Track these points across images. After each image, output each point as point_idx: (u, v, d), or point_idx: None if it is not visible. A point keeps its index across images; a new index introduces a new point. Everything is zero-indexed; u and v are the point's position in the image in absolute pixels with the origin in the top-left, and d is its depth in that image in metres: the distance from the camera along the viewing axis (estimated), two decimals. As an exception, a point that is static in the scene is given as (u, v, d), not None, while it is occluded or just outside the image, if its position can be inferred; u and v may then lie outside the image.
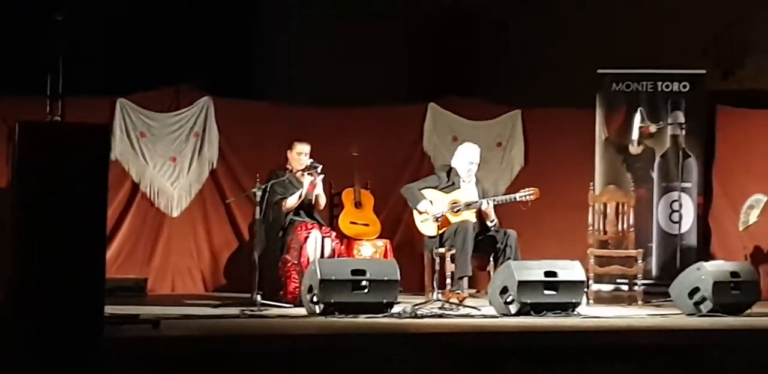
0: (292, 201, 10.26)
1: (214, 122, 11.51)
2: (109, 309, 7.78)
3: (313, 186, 10.32)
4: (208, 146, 11.49)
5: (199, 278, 11.46)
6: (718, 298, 9.49)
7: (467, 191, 10.55)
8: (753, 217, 11.68)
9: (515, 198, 10.36)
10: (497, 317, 9.16)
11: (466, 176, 10.61)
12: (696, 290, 9.59)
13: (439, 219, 10.15)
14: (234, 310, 9.18)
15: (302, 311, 9.16)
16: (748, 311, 9.66)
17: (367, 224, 10.94)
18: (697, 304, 9.58)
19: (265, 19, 12.97)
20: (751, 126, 11.94)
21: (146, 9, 11.56)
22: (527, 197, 10.31)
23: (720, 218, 12.04)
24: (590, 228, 11.11)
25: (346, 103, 12.01)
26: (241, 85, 12.37)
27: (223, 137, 11.55)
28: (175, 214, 11.37)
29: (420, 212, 10.41)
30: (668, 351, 8.05)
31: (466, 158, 10.63)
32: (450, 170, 10.66)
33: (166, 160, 11.36)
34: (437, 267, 9.92)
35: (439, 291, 9.76)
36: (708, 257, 11.36)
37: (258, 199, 9.84)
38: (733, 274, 9.67)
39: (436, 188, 10.54)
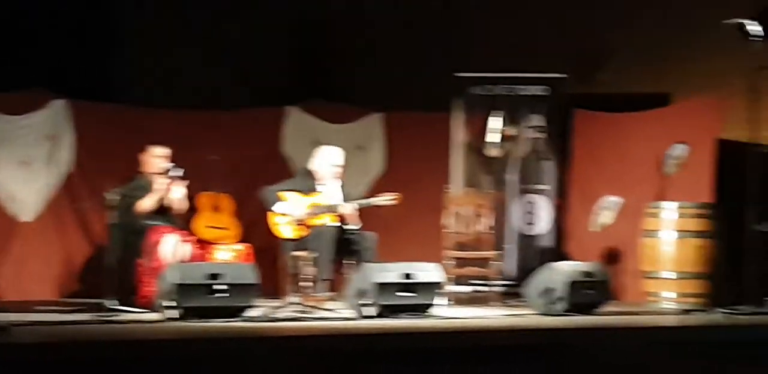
0: (146, 204, 10.16)
1: (69, 125, 11.33)
2: (-42, 316, 7.65)
3: (169, 190, 10.25)
4: (62, 149, 11.31)
5: (54, 283, 11.25)
6: (572, 298, 9.64)
7: (328, 195, 10.57)
8: (607, 218, 11.92)
9: (376, 202, 10.41)
10: (355, 319, 9.17)
11: (327, 179, 10.62)
12: (550, 290, 9.72)
13: (299, 222, 10.14)
14: (87, 316, 9.01)
15: (158, 316, 9.06)
16: (601, 310, 9.84)
17: (225, 228, 10.90)
18: (551, 304, 9.71)
19: (122, 22, 12.82)
20: (606, 129, 12.16)
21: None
22: (388, 202, 10.36)
23: (576, 219, 12.25)
24: (448, 230, 11.20)
25: (206, 106, 11.94)
26: (99, 88, 12.21)
27: (79, 141, 11.39)
28: (27, 219, 11.16)
29: (279, 215, 10.40)
30: (524, 350, 8.16)
31: (327, 161, 10.64)
32: (311, 173, 10.66)
33: (16, 164, 11.13)
34: (296, 271, 9.92)
35: (298, 294, 9.76)
36: (563, 258, 11.55)
37: (114, 203, 9.73)
38: (587, 274, 9.83)
39: (296, 191, 10.52)
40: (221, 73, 12.66)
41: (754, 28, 9.73)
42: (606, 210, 11.91)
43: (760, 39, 9.74)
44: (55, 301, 10.83)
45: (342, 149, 10.84)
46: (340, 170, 10.66)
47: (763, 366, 8.47)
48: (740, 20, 9.76)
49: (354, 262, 10.28)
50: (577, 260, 11.15)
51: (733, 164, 10.80)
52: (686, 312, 9.91)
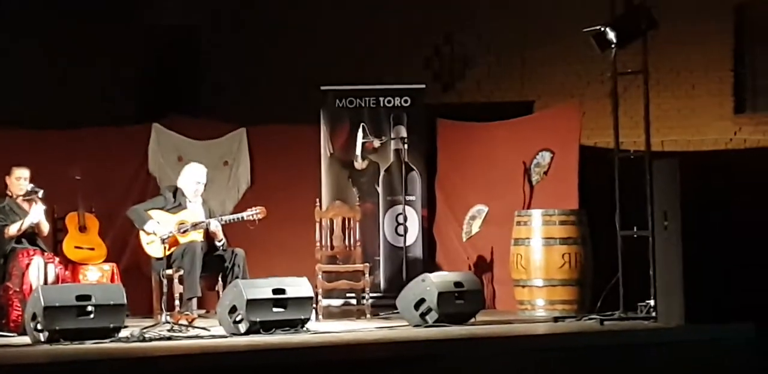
0: (13, 229, 9.99)
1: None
2: None
3: (31, 211, 10.08)
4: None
5: None
6: (443, 308, 9.71)
7: (194, 212, 10.51)
8: (475, 227, 12.04)
9: (242, 217, 10.37)
10: (227, 337, 9.14)
11: (192, 196, 10.55)
12: (422, 301, 9.78)
13: (166, 240, 10.06)
14: (-45, 342, 8.91)
15: (27, 339, 8.92)
16: (473, 320, 9.93)
17: (92, 248, 10.76)
18: (423, 315, 9.77)
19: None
20: (469, 138, 12.28)
21: None
22: (255, 216, 10.33)
23: (444, 229, 12.35)
24: (318, 244, 11.21)
25: (67, 125, 11.79)
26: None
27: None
28: None
29: (147, 233, 10.30)
30: (399, 362, 8.22)
31: (192, 177, 10.58)
32: (176, 191, 10.59)
33: None
34: (165, 289, 9.83)
35: (168, 313, 9.67)
36: (434, 268, 11.67)
37: (-23, 227, 9.57)
38: (457, 284, 9.90)
39: (162, 208, 10.44)
40: (84, 90, 12.52)
41: (611, 35, 9.91)
42: (474, 219, 12.03)
43: (617, 46, 9.93)
44: None
45: (207, 165, 10.79)
46: (203, 186, 10.60)
47: (632, 371, 8.66)
48: (599, 27, 9.94)
49: (224, 278, 10.24)
50: (448, 270, 11.24)
51: (597, 170, 10.99)
52: (557, 319, 10.02)
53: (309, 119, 12.30)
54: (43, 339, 8.72)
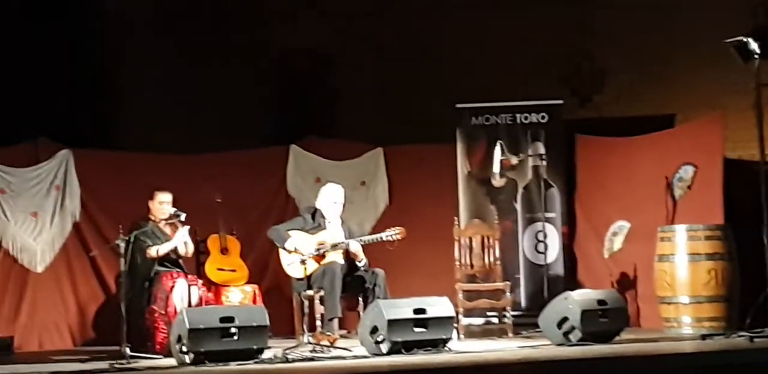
0: (161, 251, 10.16)
1: (75, 175, 11.33)
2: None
3: (176, 235, 10.23)
4: (69, 198, 11.30)
5: (67, 332, 11.22)
6: (587, 327, 9.57)
7: (333, 232, 10.54)
8: (617, 243, 11.87)
9: (381, 238, 10.38)
10: (369, 357, 9.13)
11: (331, 216, 10.60)
12: (564, 319, 9.65)
13: (306, 261, 10.11)
14: (103, 364, 9.02)
15: (172, 361, 9.03)
16: (617, 338, 9.78)
17: (234, 270, 10.86)
18: (566, 334, 9.64)
19: (117, 68, 12.86)
20: (609, 153, 12.12)
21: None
22: (394, 237, 10.33)
23: (585, 246, 12.19)
24: (457, 263, 11.16)
25: (207, 148, 11.94)
26: (99, 135, 12.25)
27: (85, 189, 11.38)
28: (39, 269, 11.13)
29: (289, 252, 10.35)
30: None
31: (330, 198, 10.63)
32: (315, 212, 10.64)
33: (27, 215, 11.13)
34: (306, 310, 9.86)
35: (310, 333, 9.71)
36: (575, 285, 11.52)
37: (122, 250, 9.71)
38: (600, 302, 9.76)
39: (302, 229, 10.51)
40: (222, 115, 12.68)
41: (754, 45, 9.70)
42: (615, 235, 11.86)
43: (760, 56, 9.71)
44: (71, 350, 10.80)
45: (345, 186, 10.83)
46: (341, 207, 10.63)
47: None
48: (741, 38, 9.73)
49: (364, 299, 10.25)
50: (590, 287, 11.09)
51: (742, 183, 10.76)
52: (704, 337, 9.78)
53: (445, 137, 12.26)
54: (188, 361, 8.82)
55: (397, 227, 10.34)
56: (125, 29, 12.91)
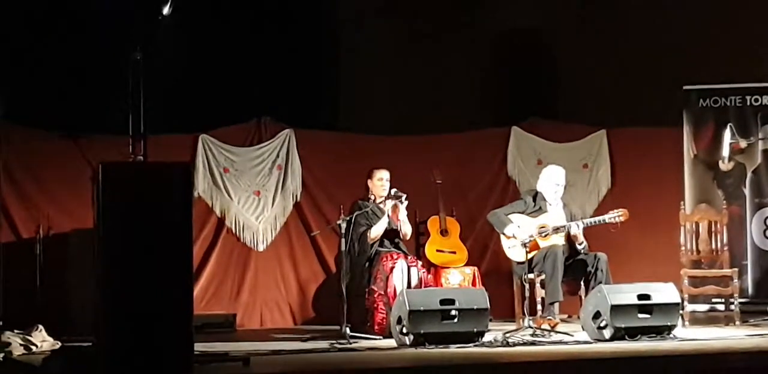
0: (377, 231, 10.19)
1: (297, 154, 11.46)
2: (199, 347, 7.80)
3: (396, 214, 10.24)
4: (291, 178, 11.43)
5: (288, 311, 11.38)
6: (818, 315, 9.26)
7: (554, 215, 10.40)
8: None
9: (604, 220, 10.20)
10: (591, 343, 9.00)
11: (552, 199, 10.47)
12: (796, 308, 9.36)
13: (527, 244, 9.99)
14: (324, 344, 9.12)
15: (392, 342, 9.06)
16: None
17: (454, 252, 10.80)
18: (798, 322, 9.35)
19: (341, 50, 12.95)
20: (843, 136, 11.65)
21: (222, 43, 11.56)
22: (617, 219, 10.15)
23: (818, 231, 11.75)
24: (682, 248, 10.88)
25: (426, 130, 11.92)
26: (320, 115, 12.36)
27: (306, 169, 11.50)
28: (261, 248, 11.31)
29: (508, 237, 10.27)
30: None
31: (551, 180, 10.49)
32: (536, 194, 10.53)
33: (250, 194, 11.32)
34: (527, 293, 9.75)
35: (530, 317, 9.59)
36: (807, 273, 11.12)
37: (343, 231, 9.78)
38: (838, 289, 9.42)
39: (522, 212, 10.41)
40: (442, 95, 12.63)
41: None
42: None
43: None
44: (292, 329, 10.94)
45: (567, 168, 10.67)
46: (563, 189, 10.48)
47: None
48: None
49: (586, 283, 10.08)
50: (821, 275, 10.72)
51: None
52: None
53: (670, 119, 11.94)
54: (408, 343, 8.83)
55: (621, 209, 10.16)
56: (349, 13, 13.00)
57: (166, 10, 8.69)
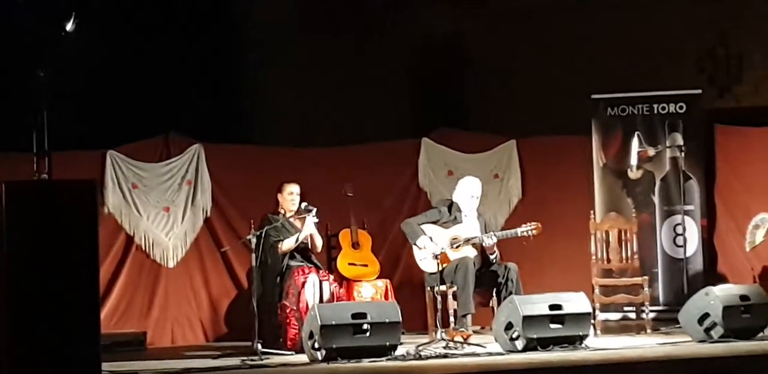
0: (288, 245, 10.10)
1: (206, 169, 11.34)
2: (107, 367, 7.71)
3: (306, 228, 10.16)
4: (200, 193, 11.31)
5: (199, 328, 11.25)
6: (729, 323, 9.33)
7: (469, 226, 10.40)
8: (759, 237, 11.52)
9: (517, 233, 10.20)
10: (504, 354, 8.99)
11: (467, 210, 10.46)
12: (706, 315, 9.43)
13: (439, 256, 9.97)
14: (235, 360, 9.05)
15: (304, 358, 8.98)
16: (761, 334, 9.48)
17: (366, 265, 10.75)
18: (707, 330, 9.42)
19: (250, 63, 12.89)
20: (750, 144, 11.76)
21: (128, 58, 11.46)
22: (530, 233, 10.14)
23: (725, 239, 11.84)
24: (593, 257, 10.94)
25: (337, 142, 11.87)
26: (230, 129, 12.28)
27: (215, 184, 11.38)
28: (171, 264, 11.17)
29: (420, 249, 10.24)
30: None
31: (467, 191, 10.48)
32: (451, 204, 10.52)
33: (159, 210, 11.19)
34: (439, 305, 9.73)
35: (443, 329, 9.56)
36: (715, 280, 11.18)
37: (253, 245, 9.69)
38: (743, 297, 9.50)
39: (436, 222, 10.38)
40: (344, 109, 12.63)
41: None
42: (757, 228, 11.51)
43: None
44: (203, 346, 10.83)
45: (479, 179, 10.67)
46: (478, 200, 10.49)
47: None
48: None
49: (498, 294, 10.08)
50: (731, 282, 10.80)
51: None
52: None
53: (579, 129, 12.01)
54: (320, 358, 8.77)
55: (533, 223, 10.15)
56: (258, 26, 12.94)
57: (69, 27, 8.57)
